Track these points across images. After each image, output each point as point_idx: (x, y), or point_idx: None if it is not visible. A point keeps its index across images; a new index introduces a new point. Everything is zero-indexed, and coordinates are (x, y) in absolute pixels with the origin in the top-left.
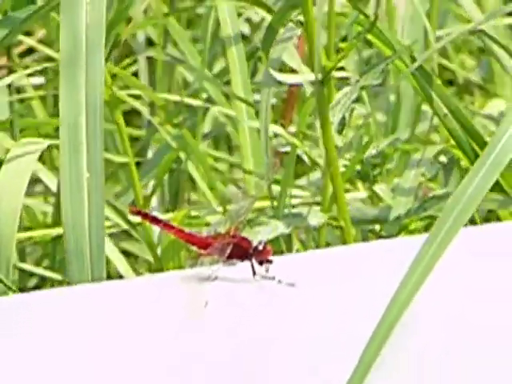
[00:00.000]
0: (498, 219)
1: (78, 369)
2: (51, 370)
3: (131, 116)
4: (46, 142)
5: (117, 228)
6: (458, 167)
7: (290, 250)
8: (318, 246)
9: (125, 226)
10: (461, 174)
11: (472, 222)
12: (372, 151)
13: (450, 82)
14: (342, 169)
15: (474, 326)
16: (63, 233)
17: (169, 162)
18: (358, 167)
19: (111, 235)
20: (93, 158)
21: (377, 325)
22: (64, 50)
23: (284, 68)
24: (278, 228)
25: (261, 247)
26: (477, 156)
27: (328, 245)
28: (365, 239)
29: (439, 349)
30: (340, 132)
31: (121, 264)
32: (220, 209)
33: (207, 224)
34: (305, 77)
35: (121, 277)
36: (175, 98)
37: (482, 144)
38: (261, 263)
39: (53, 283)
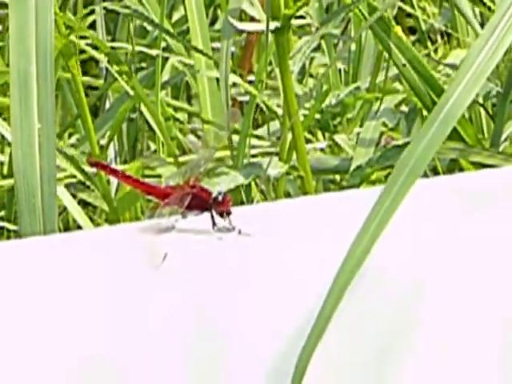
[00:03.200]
0: (461, 169)
1: (32, 323)
2: (5, 328)
3: (90, 65)
4: None
5: (74, 178)
6: (419, 116)
7: (249, 200)
8: (277, 197)
9: (80, 177)
10: (422, 123)
11: (435, 171)
12: (332, 100)
13: (412, 31)
14: (302, 118)
15: (429, 276)
16: (14, 183)
17: (124, 111)
18: (318, 117)
19: (69, 185)
20: (44, 108)
21: (334, 278)
22: None
23: (244, 17)
24: (237, 178)
25: (220, 198)
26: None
27: (289, 195)
28: (326, 190)
29: (395, 299)
30: (300, 81)
31: (78, 214)
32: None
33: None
34: (264, 25)
35: (79, 227)
36: (133, 47)
37: (442, 94)
38: (221, 215)
39: (9, 234)
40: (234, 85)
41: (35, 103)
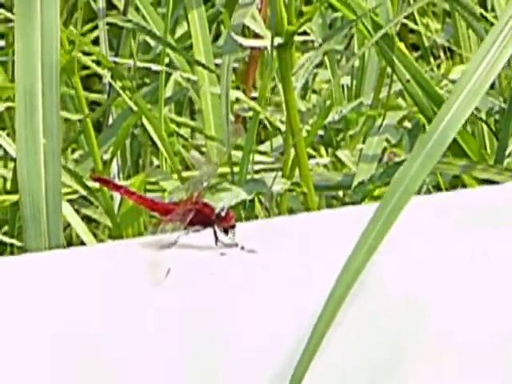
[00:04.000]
0: (464, 185)
1: (36, 337)
2: (8, 341)
3: (94, 81)
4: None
5: (77, 194)
6: (422, 132)
7: (252, 216)
8: (280, 213)
9: (83, 193)
10: None
11: (438, 188)
12: (335, 116)
13: (415, 47)
14: (305, 134)
15: (425, 290)
16: (19, 199)
17: (128, 126)
18: (321, 133)
19: (73, 201)
20: (49, 124)
21: (329, 293)
22: (18, 12)
23: (248, 33)
24: (240, 194)
25: (223, 213)
26: None
27: (291, 211)
28: (329, 206)
29: (393, 312)
30: (303, 97)
31: (82, 230)
32: (177, 175)
33: (166, 190)
34: (267, 41)
35: (82, 243)
36: (134, 63)
37: None
38: (225, 232)
39: (13, 250)
40: (237, 100)
41: (40, 119)
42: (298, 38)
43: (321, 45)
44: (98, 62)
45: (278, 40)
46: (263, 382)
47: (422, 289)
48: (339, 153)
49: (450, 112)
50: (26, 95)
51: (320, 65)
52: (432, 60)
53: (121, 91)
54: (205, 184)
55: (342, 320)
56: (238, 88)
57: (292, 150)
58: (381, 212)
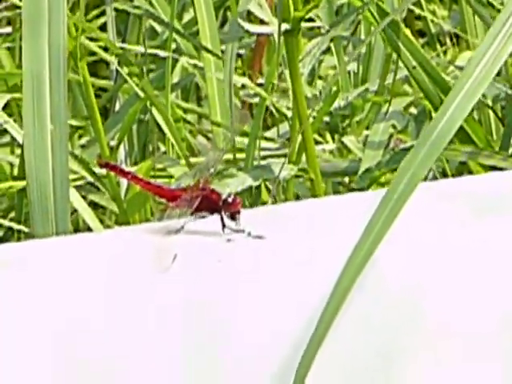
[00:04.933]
0: (470, 172)
1: (44, 325)
2: (15, 327)
3: (101, 67)
4: (7, 96)
5: (84, 180)
6: (428, 119)
7: (259, 202)
8: (287, 199)
9: (90, 178)
10: None
11: (444, 174)
12: (341, 102)
13: (421, 33)
14: (311, 120)
15: (432, 277)
16: (27, 184)
17: (134, 112)
18: (327, 119)
19: (79, 187)
20: (56, 110)
21: (336, 281)
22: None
23: (254, 19)
24: (246, 181)
25: (230, 199)
26: None
27: (298, 197)
28: (335, 192)
29: (400, 299)
30: (310, 83)
31: (88, 216)
32: (184, 161)
33: (173, 177)
34: (274, 27)
35: (89, 229)
36: (145, 49)
37: None
38: (231, 217)
39: (20, 235)
40: (244, 87)
41: (48, 105)
42: (304, 25)
43: (328, 31)
44: (105, 49)
45: (284, 26)
46: (265, 378)
47: (425, 277)
48: (345, 139)
49: (457, 99)
50: (34, 81)
51: (326, 51)
52: (438, 46)
53: (127, 77)
54: (211, 170)
55: (346, 309)
56: (244, 74)
57: (298, 137)
58: (387, 200)
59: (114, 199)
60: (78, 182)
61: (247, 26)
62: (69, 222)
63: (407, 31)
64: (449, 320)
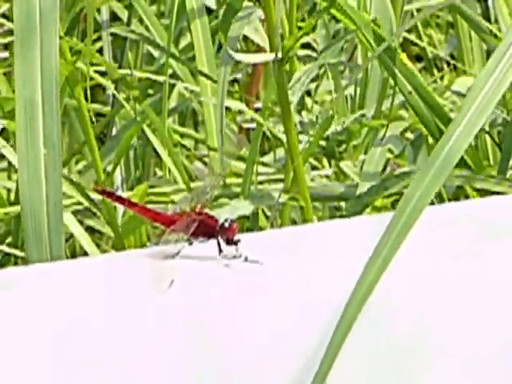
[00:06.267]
0: (466, 196)
1: (38, 350)
2: (11, 353)
3: (98, 92)
4: (3, 121)
5: (81, 205)
6: (425, 143)
7: (256, 227)
8: (282, 224)
9: (85, 204)
10: (428, 149)
11: (441, 198)
12: (337, 127)
13: (418, 58)
14: (307, 145)
15: (441, 302)
16: (21, 210)
17: (130, 137)
18: (324, 143)
19: (76, 212)
20: (50, 134)
21: (346, 304)
22: (18, 24)
23: (252, 44)
24: (239, 209)
25: (227, 224)
26: (442, 133)
27: (295, 222)
28: (332, 216)
29: (408, 325)
30: (306, 108)
31: (85, 241)
32: (181, 186)
33: (171, 201)
34: (264, 56)
35: (85, 253)
36: (138, 73)
37: (447, 121)
38: (228, 243)
39: (16, 260)
40: (241, 112)
41: (41, 129)
42: (303, 47)
43: (316, 59)
44: (101, 74)
45: (272, 55)
46: None
47: (427, 303)
48: (342, 163)
49: (462, 124)
50: (27, 106)
51: (323, 74)
52: (435, 71)
53: (124, 102)
54: (209, 195)
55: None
56: (241, 99)
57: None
58: (393, 225)
59: (110, 224)
60: (75, 207)
61: (237, 55)
62: (63, 246)
63: (404, 56)
64: (449, 344)
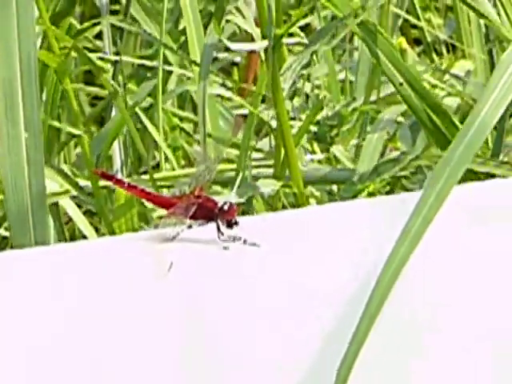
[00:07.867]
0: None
1: (36, 335)
2: (8, 336)
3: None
4: None
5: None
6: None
7: (252, 211)
8: (275, 209)
9: (74, 192)
10: (426, 134)
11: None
12: (328, 112)
13: (417, 42)
14: (297, 130)
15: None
16: (4, 195)
17: (122, 120)
18: (315, 128)
19: (75, 197)
20: (30, 118)
21: (374, 286)
22: None
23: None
24: (231, 198)
25: (226, 207)
26: (433, 124)
27: (293, 206)
28: (331, 200)
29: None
30: (297, 93)
31: (83, 224)
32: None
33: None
34: (256, 44)
35: (84, 237)
36: (133, 60)
37: (439, 112)
38: (227, 225)
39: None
40: (230, 99)
41: (21, 112)
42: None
43: (307, 46)
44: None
45: (265, 43)
46: None
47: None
48: (333, 148)
49: (488, 102)
50: (6, 88)
51: (320, 59)
52: (434, 55)
53: (117, 87)
54: (207, 178)
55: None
56: (237, 82)
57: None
58: (423, 202)
59: (100, 212)
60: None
61: (231, 44)
62: (48, 231)
63: (403, 39)
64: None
